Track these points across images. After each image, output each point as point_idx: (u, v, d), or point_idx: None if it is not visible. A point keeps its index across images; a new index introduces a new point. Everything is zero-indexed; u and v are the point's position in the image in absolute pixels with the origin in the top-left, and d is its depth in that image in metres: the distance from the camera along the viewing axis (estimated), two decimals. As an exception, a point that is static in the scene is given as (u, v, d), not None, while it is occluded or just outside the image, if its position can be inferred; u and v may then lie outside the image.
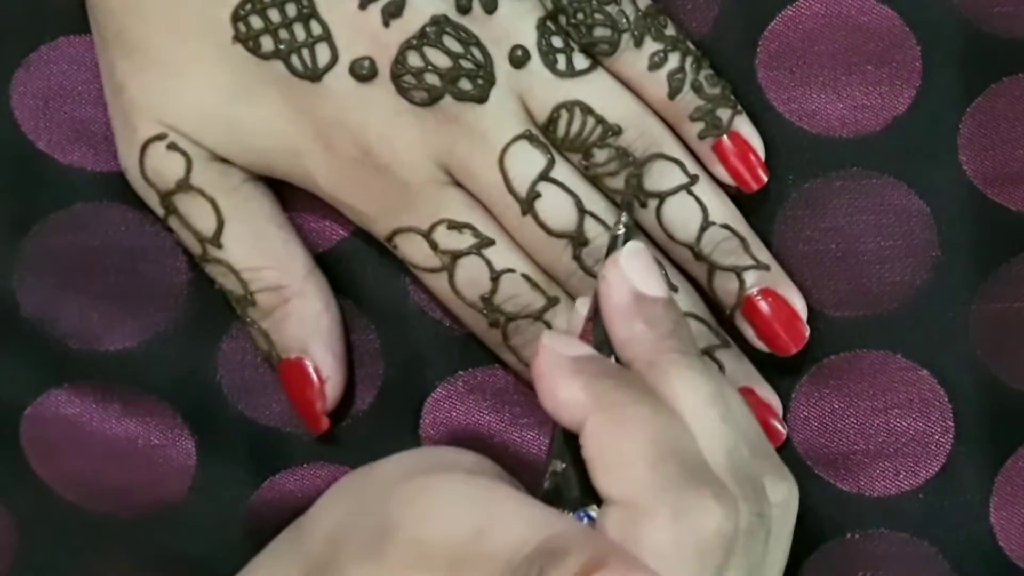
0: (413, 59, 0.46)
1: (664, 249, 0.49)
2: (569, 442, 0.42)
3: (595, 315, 0.45)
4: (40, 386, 0.51)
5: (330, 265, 0.50)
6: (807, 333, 0.49)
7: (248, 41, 0.46)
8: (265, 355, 0.50)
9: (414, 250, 0.48)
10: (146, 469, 0.51)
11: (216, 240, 0.48)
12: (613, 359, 0.44)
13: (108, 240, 0.51)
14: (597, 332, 0.44)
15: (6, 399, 0.51)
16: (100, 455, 0.51)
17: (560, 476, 0.43)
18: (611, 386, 0.42)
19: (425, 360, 0.51)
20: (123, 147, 0.49)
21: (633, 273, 0.44)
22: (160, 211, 0.49)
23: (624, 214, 0.46)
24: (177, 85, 0.47)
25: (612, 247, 0.45)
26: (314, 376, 0.49)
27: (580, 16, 0.47)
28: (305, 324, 0.49)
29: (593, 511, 0.42)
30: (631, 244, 0.45)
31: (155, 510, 0.51)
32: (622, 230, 0.45)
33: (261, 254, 0.49)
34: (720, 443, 0.42)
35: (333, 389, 0.50)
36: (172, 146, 0.47)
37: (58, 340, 0.51)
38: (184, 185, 0.48)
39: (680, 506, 0.40)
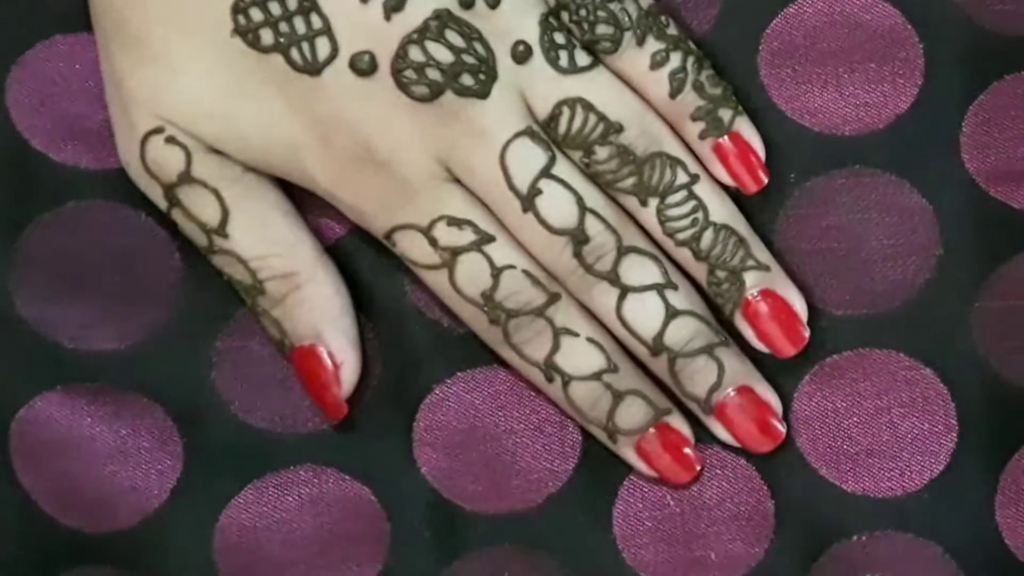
0: (414, 53, 0.46)
1: (664, 249, 0.48)
2: None
3: None
4: (33, 389, 0.50)
5: (327, 263, 0.50)
6: (807, 335, 0.49)
7: (248, 34, 0.46)
8: (277, 344, 0.50)
9: (413, 247, 0.48)
10: (131, 473, 0.50)
11: (222, 230, 0.48)
12: None
13: (102, 239, 0.51)
14: None
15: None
16: (86, 460, 0.50)
17: None
18: None
19: (422, 361, 0.51)
20: (123, 141, 0.48)
21: None
22: (163, 204, 0.48)
23: None
24: (175, 80, 0.47)
25: None
26: (328, 362, 0.49)
27: (583, 13, 0.47)
28: (317, 310, 0.49)
29: None
30: None
31: (132, 519, 0.50)
32: None
33: (268, 242, 0.48)
34: None
35: (349, 373, 0.49)
36: (171, 139, 0.47)
37: (52, 340, 0.51)
38: (186, 177, 0.47)
39: None
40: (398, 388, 0.51)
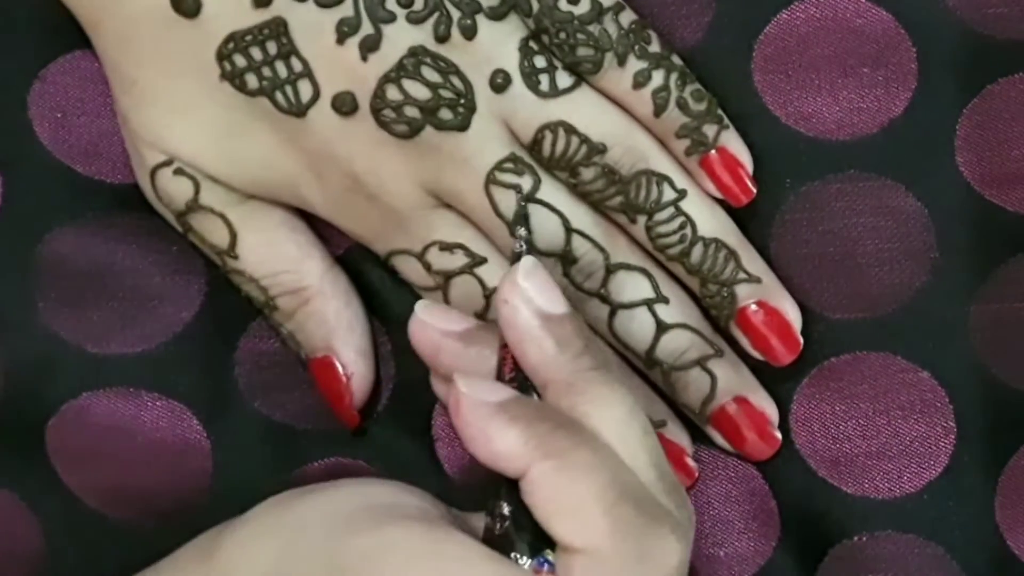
0: (392, 92, 0.46)
1: (659, 260, 0.49)
2: (511, 485, 0.42)
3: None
4: (63, 394, 0.52)
5: (339, 271, 0.51)
6: (801, 343, 0.49)
7: (234, 79, 0.47)
8: (296, 356, 0.51)
9: (410, 270, 0.49)
10: (166, 474, 0.52)
11: (231, 252, 0.50)
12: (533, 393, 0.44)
13: (125, 247, 0.52)
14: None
15: (31, 408, 0.52)
16: (122, 462, 0.52)
17: (509, 520, 0.43)
18: (548, 430, 0.42)
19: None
20: (137, 171, 0.50)
21: (534, 293, 0.44)
22: (180, 228, 0.50)
23: (522, 229, 0.45)
24: (174, 121, 0.48)
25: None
26: (342, 372, 0.50)
27: (563, 35, 0.47)
28: (326, 322, 0.50)
29: (550, 556, 0.42)
30: (526, 261, 0.44)
31: (177, 516, 0.52)
32: (523, 246, 0.45)
33: (276, 260, 0.50)
34: (646, 458, 0.43)
35: (359, 383, 0.50)
36: (179, 171, 0.49)
37: (76, 345, 0.52)
38: (194, 205, 0.49)
39: (644, 549, 0.42)
40: (413, 390, 0.52)
